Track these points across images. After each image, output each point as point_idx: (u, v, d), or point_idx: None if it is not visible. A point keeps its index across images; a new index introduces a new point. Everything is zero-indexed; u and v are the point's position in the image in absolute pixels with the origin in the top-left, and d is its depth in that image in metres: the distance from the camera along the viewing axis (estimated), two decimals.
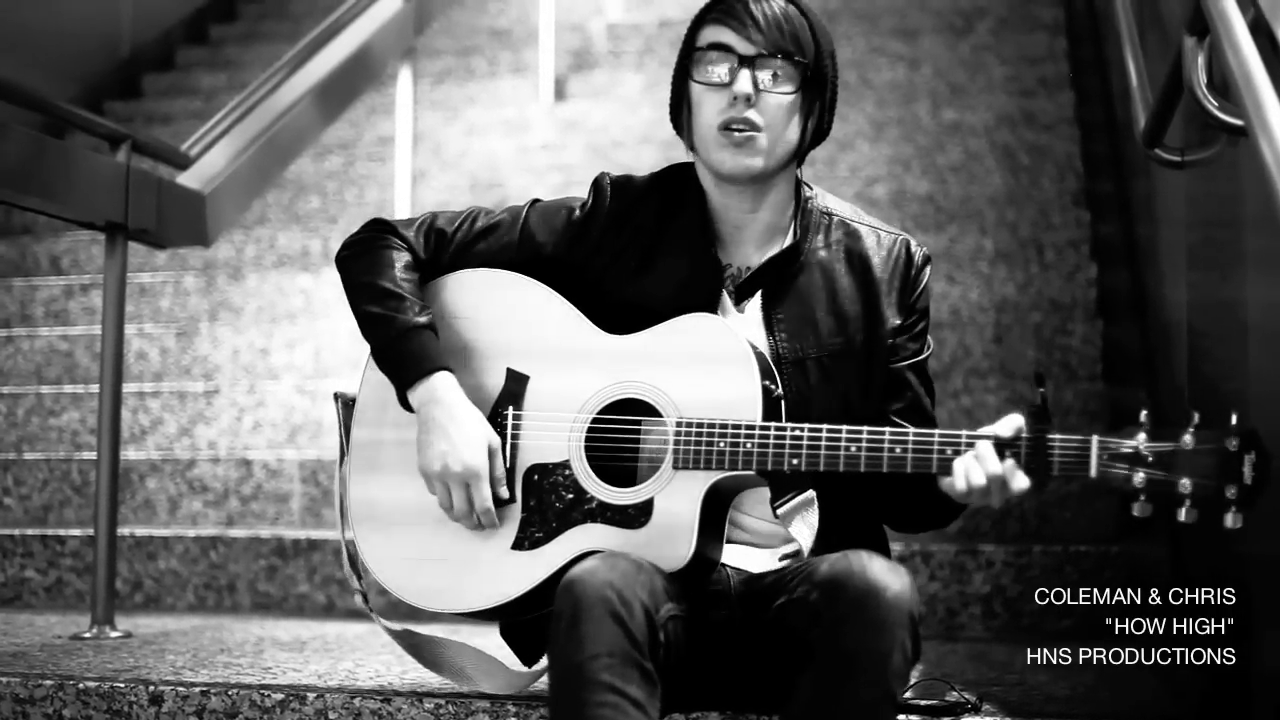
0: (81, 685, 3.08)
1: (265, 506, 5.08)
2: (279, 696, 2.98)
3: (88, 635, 3.89)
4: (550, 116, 7.86)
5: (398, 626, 2.92)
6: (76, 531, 4.83)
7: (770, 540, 2.75)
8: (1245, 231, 2.92)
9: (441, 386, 2.66)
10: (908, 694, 2.71)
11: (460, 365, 2.72)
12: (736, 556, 2.73)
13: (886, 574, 2.37)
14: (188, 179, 4.42)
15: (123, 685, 3.07)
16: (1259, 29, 2.69)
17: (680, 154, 7.23)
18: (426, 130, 7.56)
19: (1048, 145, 6.83)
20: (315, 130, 5.38)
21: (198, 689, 3.03)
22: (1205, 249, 3.55)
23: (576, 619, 2.33)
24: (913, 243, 2.80)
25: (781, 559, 2.73)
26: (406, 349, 2.68)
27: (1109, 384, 5.13)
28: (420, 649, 2.94)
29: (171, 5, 9.56)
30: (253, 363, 5.94)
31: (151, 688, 3.05)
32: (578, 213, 2.80)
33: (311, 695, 2.96)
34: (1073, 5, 8.36)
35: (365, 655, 3.56)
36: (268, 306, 6.36)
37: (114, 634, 3.91)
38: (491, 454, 2.63)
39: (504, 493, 2.64)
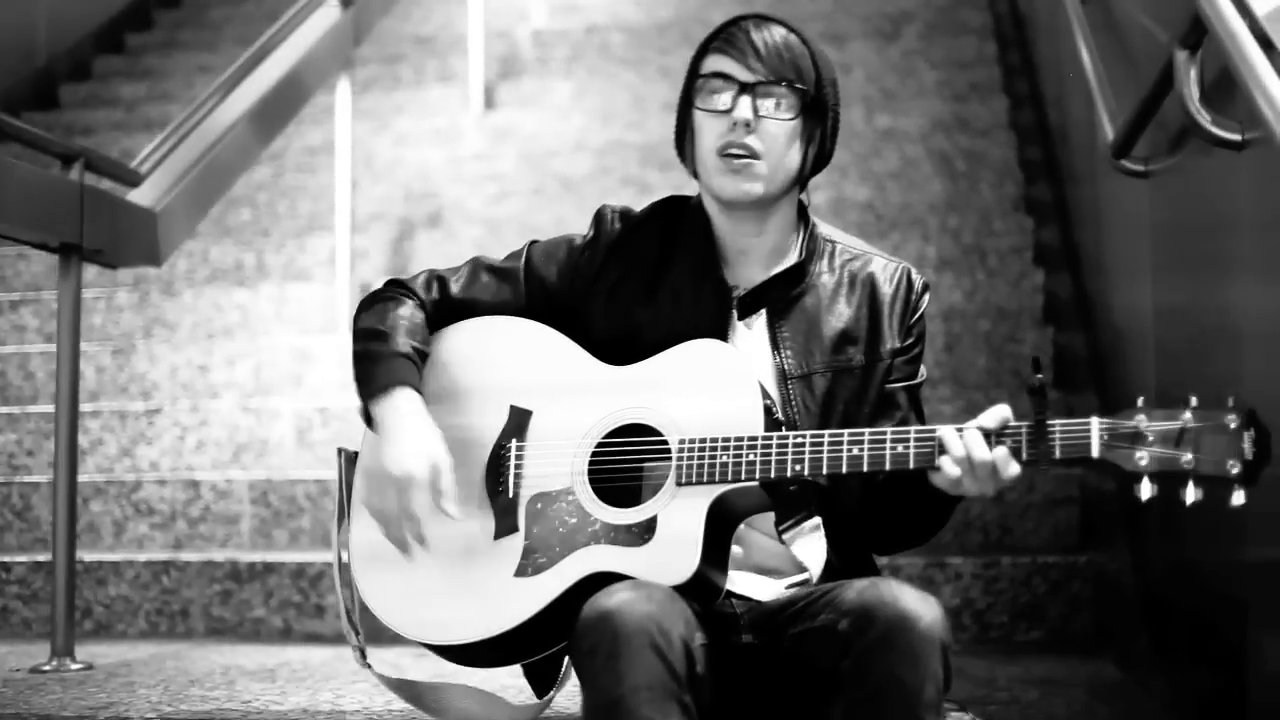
0: None
1: (214, 529, 4.98)
2: None
3: (48, 667, 3.79)
4: (480, 125, 7.78)
5: (396, 677, 2.86)
6: (22, 558, 4.70)
7: (779, 564, 2.72)
8: (1240, 237, 2.92)
9: (402, 399, 2.62)
10: None
11: (464, 407, 2.71)
12: (745, 584, 2.69)
13: (919, 603, 2.34)
14: (139, 196, 4.30)
15: None
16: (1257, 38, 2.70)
17: (617, 161, 7.20)
18: (355, 140, 7.44)
19: (984, 151, 6.86)
20: (261, 143, 5.28)
21: None
22: (1178, 255, 3.55)
23: (615, 651, 2.28)
24: (913, 271, 2.80)
25: (788, 587, 2.70)
26: (376, 370, 2.66)
27: (1062, 391, 5.14)
28: (422, 697, 2.87)
29: (84, 13, 9.36)
30: (192, 380, 5.82)
31: None
32: (578, 243, 2.81)
33: None
34: (997, 9, 8.41)
35: (341, 684, 3.48)
36: (203, 322, 6.25)
37: (74, 666, 3.81)
38: (437, 471, 2.57)
39: (490, 527, 2.61)
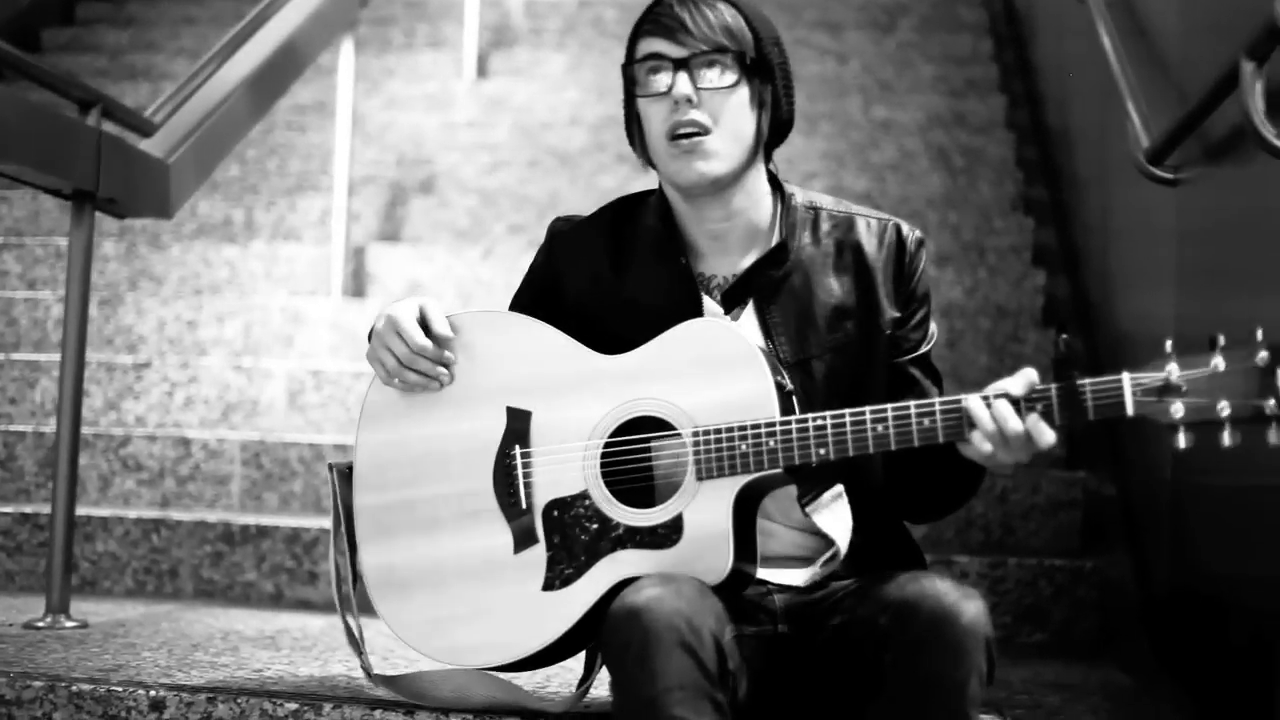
0: (74, 688, 2.92)
1: (203, 488, 4.89)
2: (292, 706, 2.84)
3: (42, 624, 3.70)
4: (473, 94, 7.70)
5: (410, 673, 2.85)
6: (7, 509, 4.59)
7: (806, 550, 2.67)
8: None
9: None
10: None
11: (456, 412, 2.64)
12: (778, 573, 2.65)
13: (961, 598, 2.32)
14: (151, 147, 4.20)
15: (119, 689, 2.91)
16: None
17: (612, 137, 7.13)
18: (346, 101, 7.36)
19: (982, 148, 6.83)
20: (268, 101, 5.16)
21: (203, 695, 2.88)
22: (1212, 264, 3.52)
23: (646, 650, 2.23)
24: (904, 226, 2.71)
25: (823, 564, 2.65)
26: None
27: None
28: (438, 688, 2.81)
29: None
30: (179, 335, 5.72)
31: (151, 692, 2.89)
32: (537, 263, 2.83)
33: (328, 705, 2.82)
34: (992, 7, 8.39)
35: (348, 655, 3.41)
36: (191, 277, 6.15)
37: (69, 623, 3.72)
38: (422, 307, 2.62)
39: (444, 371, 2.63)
